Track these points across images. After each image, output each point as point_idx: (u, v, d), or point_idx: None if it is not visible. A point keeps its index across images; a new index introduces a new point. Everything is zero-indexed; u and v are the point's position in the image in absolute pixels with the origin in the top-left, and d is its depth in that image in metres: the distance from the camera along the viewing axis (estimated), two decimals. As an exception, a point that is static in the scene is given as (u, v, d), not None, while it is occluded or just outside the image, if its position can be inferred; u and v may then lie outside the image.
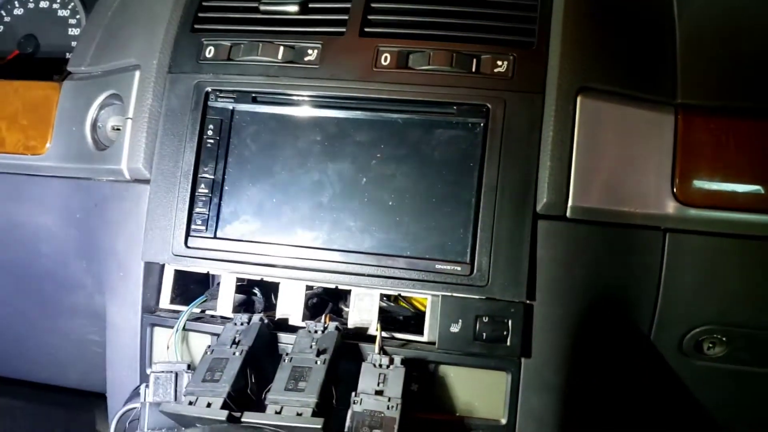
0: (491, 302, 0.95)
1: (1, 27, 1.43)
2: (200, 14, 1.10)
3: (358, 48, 1.02)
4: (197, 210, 1.02)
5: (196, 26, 1.09)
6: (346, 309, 1.08)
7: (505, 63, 0.98)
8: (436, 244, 0.96)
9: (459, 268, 0.94)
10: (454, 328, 0.95)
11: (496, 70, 0.98)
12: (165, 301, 1.08)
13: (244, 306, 1.11)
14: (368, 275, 0.97)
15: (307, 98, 1.02)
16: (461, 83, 0.98)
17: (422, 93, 0.99)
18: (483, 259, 0.94)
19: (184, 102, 1.05)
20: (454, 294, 0.95)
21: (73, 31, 1.43)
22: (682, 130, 0.96)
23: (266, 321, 0.99)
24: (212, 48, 1.07)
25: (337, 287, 1.02)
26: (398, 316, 1.06)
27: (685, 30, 1.02)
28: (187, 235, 1.02)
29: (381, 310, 1.02)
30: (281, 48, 1.03)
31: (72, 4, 1.44)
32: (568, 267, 0.96)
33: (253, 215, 1.02)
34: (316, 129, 1.01)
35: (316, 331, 0.96)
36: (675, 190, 0.95)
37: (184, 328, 1.03)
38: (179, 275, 1.08)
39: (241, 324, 0.98)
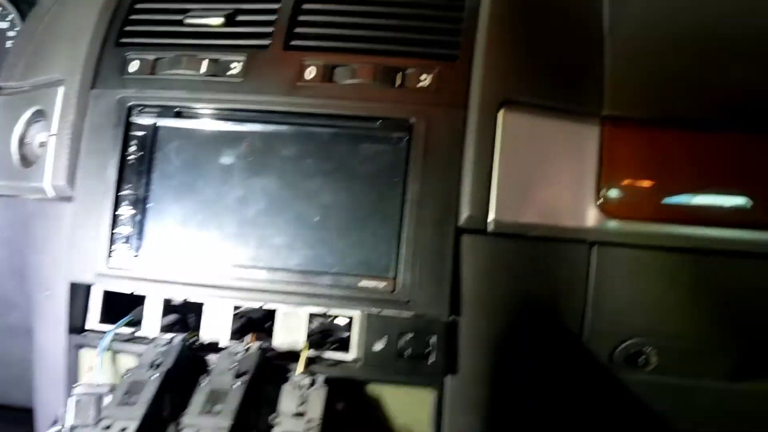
0: (415, 319, 0.93)
1: None
2: (126, 28, 1.08)
3: (283, 61, 1.01)
4: (119, 228, 1.01)
5: (121, 40, 1.08)
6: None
7: (429, 77, 0.97)
8: (361, 260, 0.95)
9: (382, 285, 0.93)
10: (378, 346, 0.94)
11: (419, 85, 0.97)
12: (94, 321, 1.06)
13: (178, 325, 1.08)
14: (293, 293, 0.96)
15: (230, 113, 1.01)
16: (385, 97, 0.97)
17: (346, 107, 0.97)
18: (406, 275, 0.93)
19: (108, 118, 1.03)
20: (378, 311, 0.94)
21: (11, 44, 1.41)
22: (607, 142, 0.96)
23: (189, 342, 0.97)
24: (136, 62, 1.05)
25: (262, 306, 1.00)
26: (334, 335, 1.04)
27: (613, 42, 1.02)
28: (110, 254, 1.00)
29: (316, 329, 1.00)
30: (205, 61, 1.02)
31: (11, 16, 1.42)
32: (493, 281, 0.95)
33: (177, 233, 1.00)
34: (240, 144, 1.00)
35: (237, 353, 0.94)
36: (599, 202, 0.94)
37: (110, 350, 1.01)
38: (108, 294, 1.06)
39: (163, 345, 0.96)
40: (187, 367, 0.95)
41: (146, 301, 1.04)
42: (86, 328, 1.06)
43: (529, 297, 0.96)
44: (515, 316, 0.96)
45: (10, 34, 1.42)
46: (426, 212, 0.93)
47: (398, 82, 0.98)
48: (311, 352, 0.97)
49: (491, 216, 0.92)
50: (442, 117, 0.95)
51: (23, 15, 1.40)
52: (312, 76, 0.99)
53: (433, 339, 0.93)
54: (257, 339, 0.98)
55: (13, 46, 1.31)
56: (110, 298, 1.05)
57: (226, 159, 1.00)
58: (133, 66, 1.05)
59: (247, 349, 0.94)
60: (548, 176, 0.95)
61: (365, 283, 0.94)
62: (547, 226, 0.94)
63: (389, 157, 0.96)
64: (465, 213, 0.92)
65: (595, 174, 0.95)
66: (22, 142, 1.11)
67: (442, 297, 0.92)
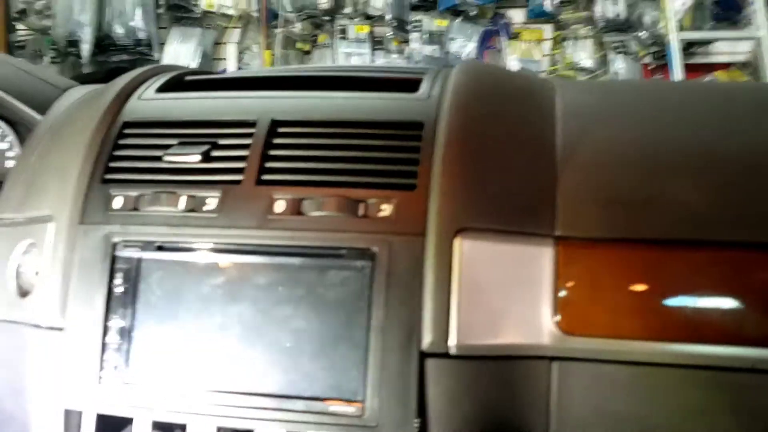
0: (384, 443, 0.98)
1: None
2: (110, 164, 1.16)
3: (255, 196, 1.08)
4: (107, 357, 1.07)
5: (105, 177, 1.16)
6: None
7: (389, 207, 1.04)
8: (332, 384, 1.00)
9: (352, 409, 0.98)
10: (348, 481, 0.99)
11: (380, 214, 1.04)
12: (87, 446, 1.12)
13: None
14: (269, 419, 1.01)
15: (207, 246, 1.08)
16: (350, 227, 1.04)
17: (314, 238, 1.04)
18: (373, 399, 0.98)
19: (95, 252, 1.10)
20: None
21: (11, 164, 1.49)
22: (561, 261, 1.01)
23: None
24: (120, 198, 1.13)
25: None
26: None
27: (566, 163, 1.08)
28: (99, 381, 1.07)
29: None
30: (182, 198, 1.09)
31: (9, 137, 1.51)
32: (457, 402, 1.00)
33: (161, 360, 1.06)
34: (217, 275, 1.06)
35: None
36: (556, 319, 0.99)
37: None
38: (103, 421, 1.12)
39: (148, 472, 1.02)
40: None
41: (134, 424, 1.10)
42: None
43: (493, 415, 1.01)
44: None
45: (9, 154, 1.51)
46: (390, 338, 0.99)
47: (362, 212, 1.04)
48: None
49: (452, 340, 0.97)
50: (402, 245, 1.01)
51: (20, 137, 1.49)
52: (282, 209, 1.06)
53: (403, 463, 0.98)
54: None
55: (8, 176, 1.39)
56: (106, 421, 1.11)
57: (205, 289, 1.06)
58: (117, 202, 1.12)
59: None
60: (506, 297, 1.00)
61: (335, 407, 0.99)
62: (507, 346, 0.99)
63: (355, 285, 1.02)
64: (427, 338, 0.98)
65: (551, 293, 1.00)
66: (18, 271, 1.18)
67: (407, 420, 0.97)
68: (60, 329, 1.11)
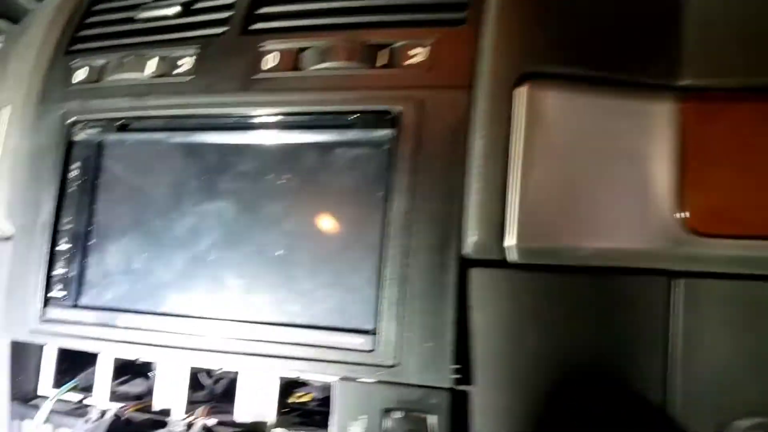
0: (404, 389, 0.65)
1: None
2: (78, 33, 0.90)
3: (239, 49, 0.78)
4: (57, 271, 0.81)
5: (71, 48, 0.90)
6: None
7: (422, 51, 0.70)
8: (335, 306, 0.69)
9: (360, 341, 0.66)
10: (355, 428, 0.66)
11: (408, 62, 0.71)
12: (47, 386, 0.87)
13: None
14: (255, 353, 0.71)
15: (178, 120, 0.79)
16: (363, 83, 0.71)
17: (314, 101, 0.72)
18: (389, 328, 0.65)
19: (49, 138, 0.84)
20: (353, 378, 0.67)
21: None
22: (690, 124, 0.64)
23: (125, 417, 0.74)
24: (84, 70, 0.86)
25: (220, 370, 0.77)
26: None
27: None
28: (45, 303, 0.81)
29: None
30: (152, 60, 0.81)
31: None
32: (519, 335, 0.65)
33: (121, 275, 0.79)
34: (191, 159, 0.78)
35: (176, 433, 0.70)
36: (681, 214, 0.62)
37: (48, 422, 0.80)
38: (64, 352, 0.86)
39: (94, 421, 0.74)
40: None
41: (98, 361, 0.83)
42: (38, 393, 0.86)
43: (575, 357, 0.66)
44: (555, 386, 0.65)
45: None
46: (416, 238, 0.66)
47: (382, 61, 0.72)
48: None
49: (511, 240, 0.63)
50: (438, 104, 0.68)
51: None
52: (271, 64, 0.75)
53: (432, 420, 0.64)
54: (213, 413, 0.74)
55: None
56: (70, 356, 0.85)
57: (176, 179, 0.78)
58: (80, 75, 0.86)
59: (187, 428, 0.70)
60: (596, 178, 0.64)
61: (340, 338, 0.67)
62: (598, 251, 0.63)
63: (370, 165, 0.70)
64: (472, 237, 0.64)
65: (673, 172, 0.63)
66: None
67: (442, 358, 0.64)
68: (7, 238, 0.86)
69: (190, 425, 0.71)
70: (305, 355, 0.68)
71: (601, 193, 0.64)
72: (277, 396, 0.73)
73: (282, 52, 0.75)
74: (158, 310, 0.76)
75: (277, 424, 0.72)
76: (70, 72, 0.87)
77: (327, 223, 0.70)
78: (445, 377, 0.64)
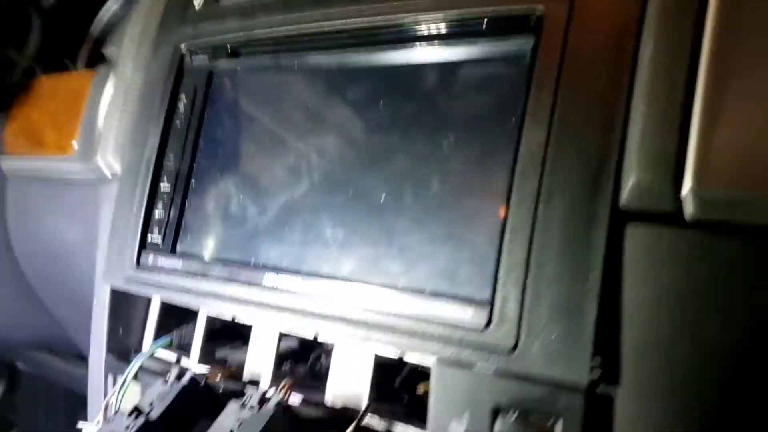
0: (524, 382, 0.48)
1: None
2: None
3: None
4: (156, 215, 0.73)
5: None
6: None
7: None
8: (444, 267, 0.53)
9: (470, 313, 0.50)
10: (456, 427, 0.50)
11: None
12: (149, 339, 0.79)
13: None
14: (346, 319, 0.57)
15: (285, 42, 0.67)
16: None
17: (434, 6, 0.57)
18: (510, 299, 0.48)
19: (162, 68, 0.77)
20: (458, 361, 0.51)
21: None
22: None
23: (204, 382, 0.64)
24: None
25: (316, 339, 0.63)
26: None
27: None
28: (141, 248, 0.73)
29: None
30: (267, -25, 0.70)
31: None
32: (691, 319, 0.45)
33: (219, 220, 0.69)
34: (298, 88, 0.66)
35: (251, 407, 0.58)
36: None
37: (137, 380, 0.72)
38: (166, 304, 0.78)
39: (171, 383, 0.64)
40: (195, 415, 0.62)
41: (198, 317, 0.74)
42: (141, 348, 0.79)
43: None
44: (736, 394, 0.44)
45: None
46: (555, 178, 0.48)
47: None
48: (375, 423, 0.57)
49: (690, 183, 0.44)
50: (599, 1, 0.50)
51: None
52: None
53: (559, 427, 0.46)
54: (301, 389, 0.62)
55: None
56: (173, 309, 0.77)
57: (281, 112, 0.66)
58: (198, 0, 0.77)
59: (261, 403, 0.58)
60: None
61: (445, 309, 0.52)
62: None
63: (502, 88, 0.54)
64: (633, 178, 0.45)
65: None
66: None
67: (579, 344, 0.46)
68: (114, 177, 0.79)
69: (264, 400, 0.58)
70: (402, 326, 0.53)
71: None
72: (370, 378, 0.58)
73: None
74: (252, 262, 0.65)
75: (371, 411, 0.58)
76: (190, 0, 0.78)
77: (442, 163, 0.55)
78: (583, 371, 0.45)
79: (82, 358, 1.08)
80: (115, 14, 1.03)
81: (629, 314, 0.46)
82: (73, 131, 0.94)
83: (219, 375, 0.67)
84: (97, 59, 1.04)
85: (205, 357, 0.72)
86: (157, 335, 0.78)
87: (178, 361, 0.74)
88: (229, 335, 0.76)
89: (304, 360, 0.71)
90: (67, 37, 1.11)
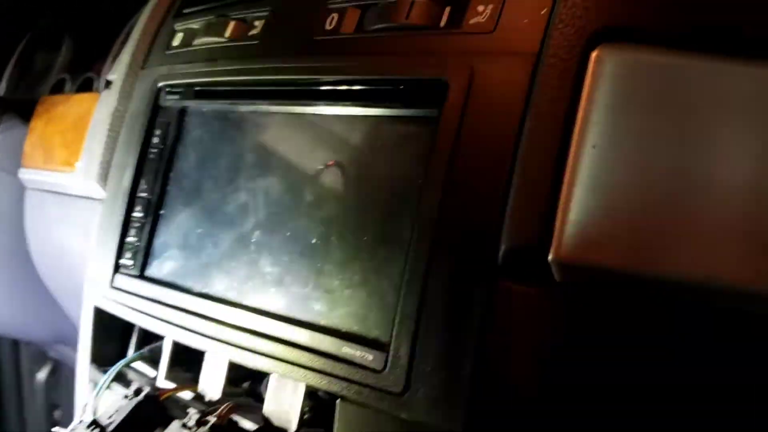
0: (414, 427, 0.52)
1: None
2: None
3: (309, 7, 0.69)
4: (129, 239, 0.79)
5: (183, 11, 0.87)
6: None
7: (489, 7, 0.56)
8: (356, 310, 0.58)
9: (372, 356, 0.55)
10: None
11: (473, 21, 0.56)
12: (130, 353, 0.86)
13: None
14: (266, 354, 0.63)
15: (242, 87, 0.73)
16: (418, 47, 0.59)
17: (364, 68, 0.62)
18: (402, 345, 0.53)
19: (143, 102, 0.83)
20: (357, 401, 0.55)
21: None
22: None
23: (156, 399, 0.70)
24: (182, 34, 0.83)
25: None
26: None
27: None
28: (115, 271, 0.79)
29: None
30: (231, 23, 0.75)
31: None
32: (557, 373, 0.49)
33: (178, 250, 0.75)
34: (252, 129, 0.71)
35: (189, 427, 0.64)
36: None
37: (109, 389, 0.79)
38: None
39: (130, 398, 0.71)
40: (150, 429, 0.68)
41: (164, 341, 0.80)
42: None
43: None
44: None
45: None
46: (446, 236, 0.52)
47: (446, 20, 0.58)
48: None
49: (555, 251, 0.47)
50: (496, 71, 0.53)
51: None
52: (334, 24, 0.65)
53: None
54: (243, 412, 0.67)
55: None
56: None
57: (237, 150, 0.72)
58: (177, 39, 0.83)
59: (199, 423, 0.64)
60: (699, 173, 0.46)
61: (348, 349, 0.56)
62: (692, 280, 0.46)
63: (415, 145, 0.57)
64: (504, 243, 0.49)
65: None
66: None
67: (455, 392, 0.50)
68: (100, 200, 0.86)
69: (202, 422, 0.64)
70: (316, 364, 0.58)
71: (704, 196, 0.45)
72: (299, 403, 0.64)
73: (344, 10, 0.65)
74: (202, 291, 0.71)
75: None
76: (173, 36, 0.84)
77: (364, 211, 0.59)
78: (457, 419, 0.50)
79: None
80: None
81: (496, 365, 0.50)
82: (79, 150, 1.02)
83: (170, 393, 0.73)
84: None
85: (174, 374, 0.78)
86: (139, 347, 0.85)
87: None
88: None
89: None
90: (95, 52, 1.20)
